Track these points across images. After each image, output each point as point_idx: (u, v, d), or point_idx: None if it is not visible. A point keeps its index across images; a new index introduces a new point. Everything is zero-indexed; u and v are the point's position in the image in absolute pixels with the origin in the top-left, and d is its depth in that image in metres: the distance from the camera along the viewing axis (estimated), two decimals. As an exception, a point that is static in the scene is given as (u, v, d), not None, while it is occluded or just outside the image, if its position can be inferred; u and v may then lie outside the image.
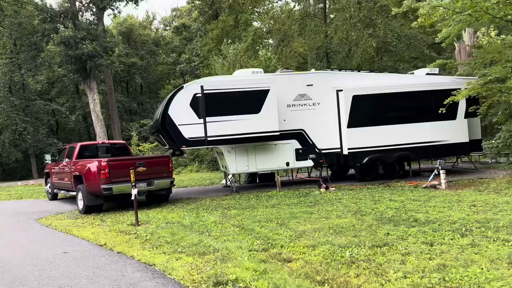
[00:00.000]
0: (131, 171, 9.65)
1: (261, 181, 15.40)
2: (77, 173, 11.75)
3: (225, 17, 32.42)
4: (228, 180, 16.35)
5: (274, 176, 15.54)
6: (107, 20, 53.57)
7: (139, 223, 8.83)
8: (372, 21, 19.66)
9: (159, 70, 49.32)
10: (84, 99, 41.62)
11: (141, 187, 11.18)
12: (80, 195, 11.54)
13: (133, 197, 8.90)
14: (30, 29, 27.69)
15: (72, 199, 13.64)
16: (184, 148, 12.90)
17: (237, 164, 13.03)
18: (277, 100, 12.64)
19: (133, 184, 8.98)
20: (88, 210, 11.17)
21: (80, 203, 11.45)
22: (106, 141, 13.59)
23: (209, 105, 12.24)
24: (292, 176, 15.98)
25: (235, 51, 22.82)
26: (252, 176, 15.64)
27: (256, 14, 33.57)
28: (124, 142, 14.05)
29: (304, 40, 19.44)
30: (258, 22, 34.14)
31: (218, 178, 19.35)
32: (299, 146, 13.37)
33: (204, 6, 37.60)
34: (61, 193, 13.56)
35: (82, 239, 7.79)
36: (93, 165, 11.04)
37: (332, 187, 12.36)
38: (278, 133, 12.61)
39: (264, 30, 22.59)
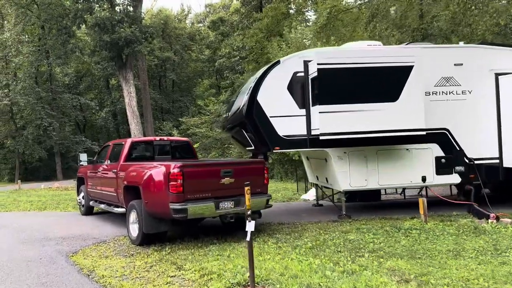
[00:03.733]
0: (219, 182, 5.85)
1: (363, 200, 11.27)
2: (130, 183, 7.94)
3: (276, 4, 28.80)
4: (315, 195, 12.37)
5: (380, 194, 11.48)
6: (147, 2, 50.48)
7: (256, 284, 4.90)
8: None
9: (192, 66, 45.93)
10: (114, 94, 38.46)
11: (227, 208, 7.29)
12: (133, 217, 7.71)
13: (248, 237, 4.96)
14: (61, 11, 24.38)
15: (114, 215, 9.83)
16: (276, 150, 8.97)
17: (352, 177, 9.00)
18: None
19: (248, 212, 5.11)
20: (146, 240, 7.35)
21: (134, 229, 7.63)
22: (166, 138, 9.76)
23: (322, 87, 8.26)
24: (404, 193, 11.81)
25: (301, 34, 18.97)
26: (350, 192, 11.55)
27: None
28: (188, 140, 10.21)
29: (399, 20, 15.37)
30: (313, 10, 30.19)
31: (290, 189, 15.37)
32: (441, 153, 9.25)
33: (248, -4, 34.31)
34: (101, 207, 9.83)
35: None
36: (157, 171, 7.21)
37: (500, 216, 8.22)
38: (424, 132, 8.53)
39: (341, 6, 18.62)
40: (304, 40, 20.34)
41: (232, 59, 38.14)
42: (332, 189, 11.25)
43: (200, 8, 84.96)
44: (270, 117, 8.81)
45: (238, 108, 9.17)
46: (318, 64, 8.16)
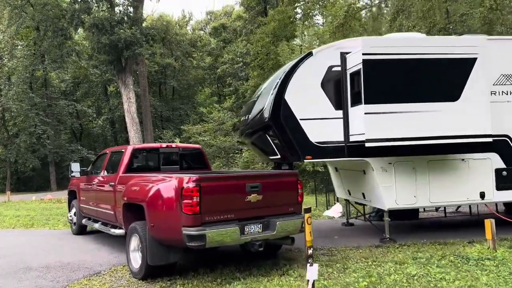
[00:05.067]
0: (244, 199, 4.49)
1: (398, 218, 9.69)
2: (131, 200, 6.40)
3: (283, 7, 27.57)
4: (341, 211, 10.88)
5: (418, 211, 9.99)
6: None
7: None
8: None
9: (193, 74, 44.55)
10: (112, 101, 36.94)
11: (254, 233, 5.76)
12: (134, 243, 6.17)
13: (310, 277, 3.41)
14: (57, 12, 22.96)
15: (111, 235, 8.25)
16: (308, 159, 7.45)
17: (399, 193, 7.47)
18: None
19: (309, 251, 3.67)
20: (152, 273, 5.79)
21: (136, 259, 6.08)
22: (173, 145, 8.22)
23: (369, 82, 6.77)
24: (445, 210, 10.27)
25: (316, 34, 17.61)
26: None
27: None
28: (200, 147, 8.68)
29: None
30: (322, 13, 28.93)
31: (307, 203, 13.77)
32: (502, 165, 7.75)
33: (251, 1, 33.15)
34: (95, 227, 8.26)
35: None
36: (166, 186, 5.70)
37: None
38: (490, 139, 7.03)
39: (358, 5, 17.29)
40: (315, 42, 19.00)
41: (235, 66, 36.82)
42: (364, 207, 9.75)
43: (201, 15, 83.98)
44: (300, 119, 7.32)
45: (261, 110, 7.66)
46: (364, 54, 6.67)
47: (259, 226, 5.84)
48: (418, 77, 6.79)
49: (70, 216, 9.70)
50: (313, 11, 28.63)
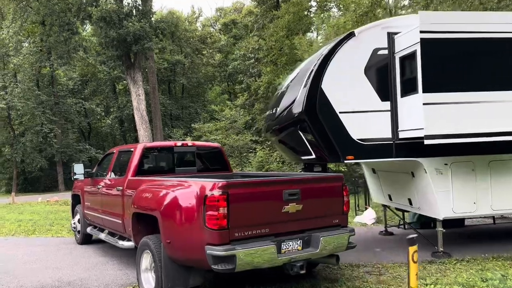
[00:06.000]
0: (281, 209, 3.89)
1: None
2: (142, 209, 5.34)
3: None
4: (374, 217, 9.77)
5: (463, 218, 8.79)
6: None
7: None
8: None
9: (203, 71, 43.51)
10: (121, 99, 36.08)
11: (292, 251, 4.68)
12: (147, 261, 5.12)
13: None
14: (63, 6, 22.03)
15: (119, 248, 7.17)
16: (350, 159, 6.31)
17: (456, 199, 6.31)
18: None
19: None
20: (168, 301, 4.72)
21: (148, 280, 5.05)
22: (190, 143, 7.13)
23: (428, 65, 5.60)
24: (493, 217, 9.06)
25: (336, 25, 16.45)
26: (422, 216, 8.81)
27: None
28: (219, 146, 7.59)
29: None
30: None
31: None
32: None
33: (264, -6, 32.08)
34: (100, 237, 7.24)
35: None
36: (185, 193, 4.64)
37: None
38: None
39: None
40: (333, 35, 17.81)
41: (246, 62, 35.69)
42: (403, 213, 8.58)
43: (211, 12, 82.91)
44: (340, 113, 6.19)
45: (292, 102, 6.54)
46: (422, 32, 5.50)
47: (298, 242, 4.75)
48: (490, 61, 5.63)
49: (74, 223, 8.68)
50: (329, 3, 27.51)
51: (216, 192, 4.26)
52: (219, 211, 4.24)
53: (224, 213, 4.25)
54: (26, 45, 28.64)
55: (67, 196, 20.53)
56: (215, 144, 7.81)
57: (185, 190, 4.69)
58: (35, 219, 12.63)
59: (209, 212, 4.26)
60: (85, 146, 30.60)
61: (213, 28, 50.04)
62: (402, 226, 8.83)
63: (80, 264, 6.79)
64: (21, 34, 26.30)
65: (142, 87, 23.30)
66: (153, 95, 29.65)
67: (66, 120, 30.27)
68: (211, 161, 7.44)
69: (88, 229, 7.95)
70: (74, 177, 7.85)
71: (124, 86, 37.65)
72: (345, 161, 6.31)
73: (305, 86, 6.33)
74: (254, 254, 4.29)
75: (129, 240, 6.21)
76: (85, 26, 32.50)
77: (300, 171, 7.51)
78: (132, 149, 6.64)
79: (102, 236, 7.18)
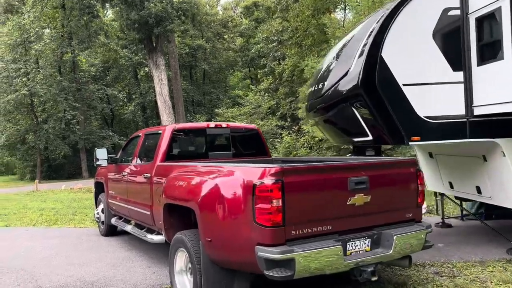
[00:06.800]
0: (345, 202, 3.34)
1: (501, 217, 7.45)
2: (175, 200, 4.54)
3: (325, -25, 25.13)
4: (425, 207, 8.78)
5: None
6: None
7: None
8: None
9: (224, 56, 42.59)
10: (143, 86, 35.58)
11: (360, 253, 3.81)
12: (182, 261, 4.36)
13: None
14: (83, -12, 21.40)
15: (147, 243, 6.40)
16: (415, 141, 5.34)
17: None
18: None
19: None
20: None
21: (184, 284, 4.30)
22: (224, 124, 6.29)
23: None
24: None
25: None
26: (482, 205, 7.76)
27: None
28: (257, 127, 6.73)
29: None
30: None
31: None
32: None
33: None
34: (126, 229, 6.53)
35: None
36: (228, 181, 3.81)
37: None
38: None
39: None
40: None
41: (269, 45, 34.57)
42: (461, 202, 7.59)
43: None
44: (404, 85, 5.22)
45: (345, 75, 5.58)
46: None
47: (366, 242, 3.87)
48: None
49: (97, 213, 8.00)
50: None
51: (268, 180, 3.41)
52: (273, 204, 3.39)
53: (279, 206, 3.39)
54: (48, 31, 28.25)
55: (90, 183, 20.13)
56: (252, 126, 6.95)
57: (228, 178, 3.86)
58: (57, 208, 12.13)
59: (260, 205, 3.41)
60: (108, 133, 30.26)
61: (234, 11, 48.92)
62: (461, 218, 7.84)
63: (105, 260, 6.09)
64: (42, 19, 25.89)
65: (165, 72, 22.59)
66: (175, 80, 28.99)
67: (89, 106, 29.94)
68: (247, 145, 6.59)
69: (113, 220, 7.26)
70: (97, 163, 7.11)
71: (146, 73, 37.17)
72: (410, 143, 5.35)
73: (360, 55, 5.38)
74: (317, 258, 3.43)
75: (158, 233, 5.47)
76: (105, 11, 32.00)
77: (350, 156, 6.59)
78: (160, 131, 5.84)
79: (128, 228, 6.47)
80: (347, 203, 3.74)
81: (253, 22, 41.59)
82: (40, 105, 27.61)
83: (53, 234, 8.19)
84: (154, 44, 21.86)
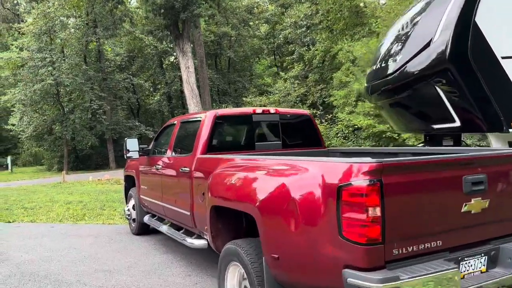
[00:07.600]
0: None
1: None
2: (225, 202, 3.67)
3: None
4: None
5: None
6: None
7: None
8: None
9: (249, 43, 41.54)
10: (169, 75, 35.00)
11: (475, 275, 2.86)
12: (235, 279, 3.50)
13: None
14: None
15: (185, 246, 5.58)
16: (516, 129, 4.30)
17: None
18: None
19: None
20: None
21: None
22: (272, 110, 5.38)
23: None
24: None
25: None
26: None
27: None
28: (309, 113, 5.81)
29: None
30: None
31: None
32: None
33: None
34: (161, 229, 5.77)
35: None
36: (299, 180, 2.89)
37: None
38: None
39: None
40: None
41: (298, 31, 33.33)
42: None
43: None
44: (503, 58, 4.19)
45: (425, 46, 4.56)
46: None
47: (482, 260, 2.93)
48: None
49: (128, 209, 7.28)
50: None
51: (361, 181, 2.48)
52: (368, 213, 2.46)
53: (376, 215, 2.47)
54: (73, 20, 27.90)
55: (118, 174, 19.70)
56: (304, 111, 6.03)
57: (299, 176, 2.96)
58: (85, 201, 11.55)
59: (348, 214, 2.50)
60: (134, 123, 29.85)
61: (259, -1, 47.67)
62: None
63: (138, 266, 5.32)
64: (66, 8, 25.49)
65: (192, 59, 21.82)
66: (201, 68, 28.22)
67: (115, 96, 29.57)
68: (299, 133, 5.66)
69: (146, 218, 6.50)
70: (128, 154, 6.33)
71: (171, 62, 36.56)
72: (510, 130, 4.31)
73: (447, 22, 4.34)
74: (430, 286, 2.51)
75: (199, 236, 4.66)
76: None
77: (422, 146, 5.58)
78: (199, 118, 4.98)
79: (164, 229, 5.68)
80: (461, 211, 2.79)
81: (280, 8, 40.36)
82: (66, 95, 27.37)
83: (81, 232, 7.52)
84: (181, 30, 21.07)
